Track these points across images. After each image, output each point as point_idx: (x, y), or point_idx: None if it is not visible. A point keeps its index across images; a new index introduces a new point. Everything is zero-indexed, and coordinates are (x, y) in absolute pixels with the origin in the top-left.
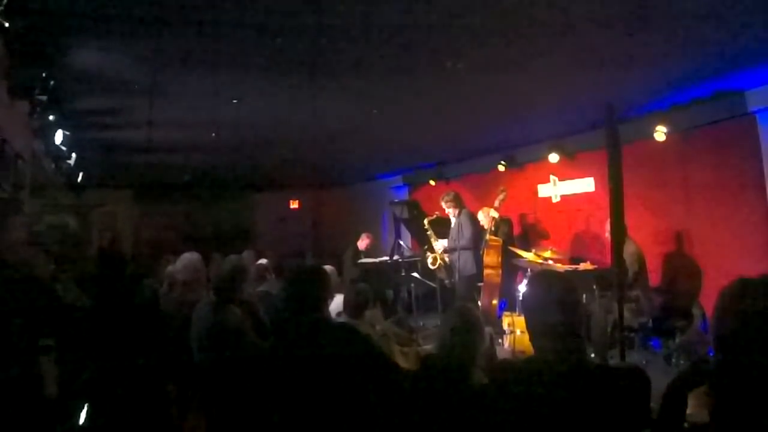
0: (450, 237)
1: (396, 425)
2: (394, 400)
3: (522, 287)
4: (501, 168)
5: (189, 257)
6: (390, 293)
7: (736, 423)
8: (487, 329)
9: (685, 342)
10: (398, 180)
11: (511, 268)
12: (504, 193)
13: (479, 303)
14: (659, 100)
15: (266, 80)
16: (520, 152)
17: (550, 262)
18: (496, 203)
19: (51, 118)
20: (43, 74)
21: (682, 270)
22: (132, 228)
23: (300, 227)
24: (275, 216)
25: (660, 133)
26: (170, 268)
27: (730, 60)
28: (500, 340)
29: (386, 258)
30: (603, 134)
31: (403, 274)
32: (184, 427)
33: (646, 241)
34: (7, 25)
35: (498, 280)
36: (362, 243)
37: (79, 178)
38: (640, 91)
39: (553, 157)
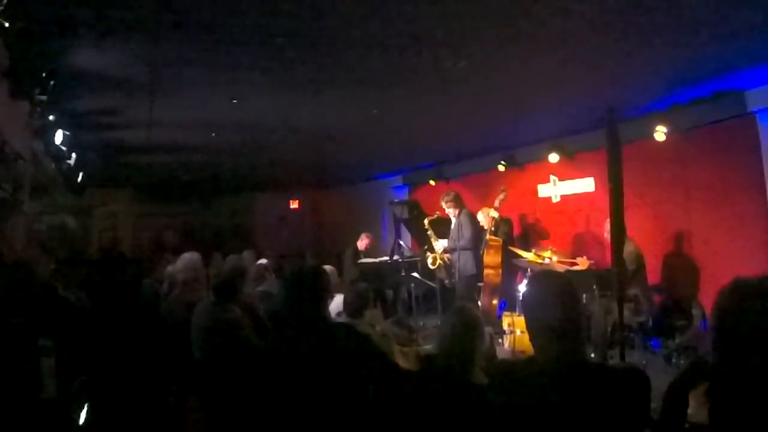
0: (450, 237)
1: (396, 425)
2: (394, 400)
3: (522, 287)
4: (501, 168)
5: (189, 257)
6: (390, 293)
7: (736, 423)
8: (487, 329)
9: (685, 342)
10: (398, 180)
11: (511, 268)
12: (504, 193)
13: (479, 303)
14: (659, 100)
15: (266, 80)
16: (520, 152)
17: (550, 261)
18: (496, 203)
19: (51, 118)
20: (43, 74)
21: (681, 270)
22: (132, 228)
23: (300, 227)
24: (275, 216)
25: (660, 133)
26: (170, 268)
27: (730, 60)
28: (500, 340)
29: (386, 258)
30: (603, 134)
31: (403, 274)
32: (184, 426)
33: (646, 241)
34: (7, 25)
35: (498, 280)
36: (362, 243)
37: (79, 178)
38: (640, 91)
39: (553, 157)
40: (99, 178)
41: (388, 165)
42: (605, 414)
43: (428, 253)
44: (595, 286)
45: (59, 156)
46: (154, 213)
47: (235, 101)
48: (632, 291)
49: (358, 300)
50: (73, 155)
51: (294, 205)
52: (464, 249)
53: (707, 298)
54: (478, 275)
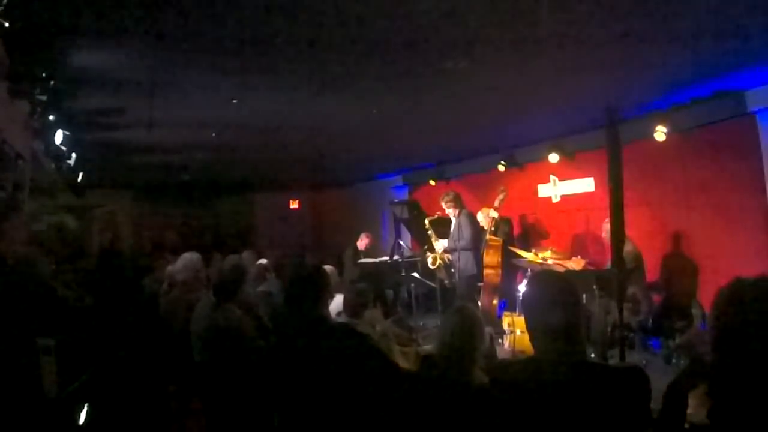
0: (450, 237)
1: (396, 425)
2: (393, 400)
3: (522, 287)
4: (501, 168)
5: (189, 257)
6: (390, 293)
7: (736, 423)
8: (487, 329)
9: (685, 342)
10: (398, 180)
11: (511, 268)
12: (504, 193)
13: (479, 303)
14: (659, 100)
15: (266, 80)
16: (520, 152)
17: (550, 261)
18: (496, 203)
19: (51, 118)
20: (43, 74)
21: (681, 270)
22: (132, 228)
23: (300, 227)
24: (275, 216)
25: (660, 133)
26: (170, 268)
27: (730, 60)
28: (500, 340)
29: (386, 258)
30: (603, 134)
31: (403, 274)
32: (184, 426)
33: (646, 241)
34: (7, 25)
35: (498, 280)
36: (362, 243)
37: (79, 178)
38: (640, 91)
39: (553, 157)
40: (99, 178)
41: (388, 165)
42: (605, 414)
43: (428, 253)
44: (594, 286)
45: (59, 156)
46: (154, 213)
47: (235, 101)
48: (630, 290)
49: (358, 300)
50: (73, 155)
51: (294, 205)
52: (464, 249)
53: (707, 298)
54: (478, 275)
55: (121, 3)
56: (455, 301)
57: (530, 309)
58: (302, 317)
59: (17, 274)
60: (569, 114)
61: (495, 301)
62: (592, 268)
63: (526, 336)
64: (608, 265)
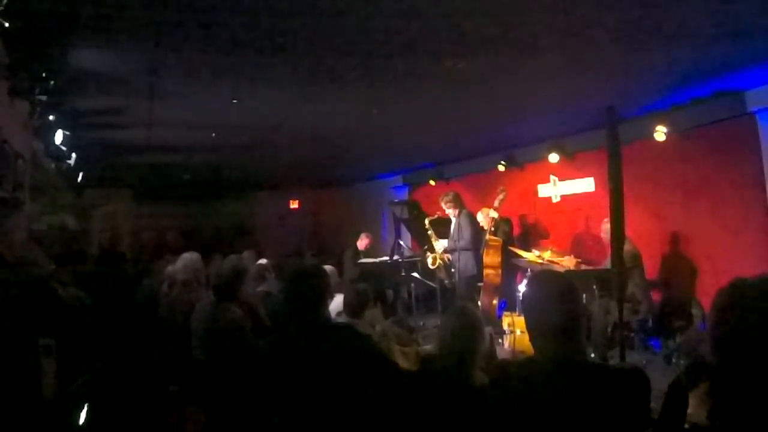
0: (450, 237)
1: (396, 425)
2: (394, 400)
3: (522, 287)
4: (501, 168)
5: (189, 257)
6: (390, 293)
7: (736, 423)
8: (487, 329)
9: (685, 342)
10: (398, 180)
11: (511, 268)
12: (504, 193)
13: (479, 303)
14: (659, 100)
15: (266, 80)
16: (520, 152)
17: (542, 260)
18: (496, 203)
19: (51, 118)
20: (43, 74)
21: (681, 270)
22: (132, 228)
23: (300, 227)
24: (275, 216)
25: (660, 133)
26: (170, 268)
27: (730, 60)
28: (500, 340)
29: (386, 258)
30: (603, 134)
31: (403, 274)
32: (184, 426)
33: (646, 241)
34: (7, 25)
35: (498, 280)
36: (362, 243)
37: (79, 178)
38: (640, 91)
39: (553, 157)
40: (99, 178)
41: (388, 165)
42: (605, 414)
43: (428, 253)
44: (595, 286)
45: (59, 156)
46: (154, 213)
47: (235, 101)
48: (630, 290)
49: (358, 300)
50: (73, 155)
51: (294, 205)
52: (464, 249)
53: (707, 298)
54: (478, 275)
55: (121, 3)
56: (455, 301)
57: (530, 309)
58: (302, 317)
59: (17, 274)
60: (569, 114)
61: (495, 301)
62: (584, 266)
63: (526, 336)
64: (607, 264)
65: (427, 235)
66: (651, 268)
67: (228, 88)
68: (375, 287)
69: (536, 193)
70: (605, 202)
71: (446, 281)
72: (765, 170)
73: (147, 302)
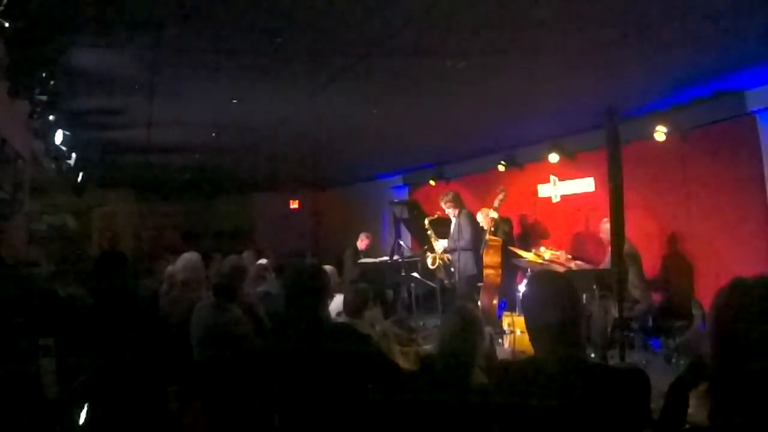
0: (450, 237)
1: (396, 425)
2: (394, 400)
3: (522, 287)
4: (501, 168)
5: (189, 257)
6: (390, 293)
7: (736, 423)
8: (487, 329)
9: (685, 342)
10: (398, 180)
11: (511, 268)
12: (503, 193)
13: (479, 303)
14: (659, 100)
15: (266, 80)
16: (520, 152)
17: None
18: (496, 203)
19: (51, 118)
20: (43, 74)
21: (681, 270)
22: (132, 228)
23: (300, 227)
24: (275, 216)
25: (660, 133)
26: (170, 268)
27: (730, 60)
28: (500, 340)
29: (386, 258)
30: (603, 134)
31: (403, 274)
32: (184, 426)
33: (646, 241)
34: (7, 25)
35: (498, 280)
36: (362, 243)
37: (79, 178)
38: (640, 91)
39: (553, 157)
40: (99, 178)
41: (388, 165)
42: (605, 414)
43: (428, 253)
44: (594, 286)
45: (59, 156)
46: (154, 213)
47: (235, 101)
48: (629, 289)
49: (358, 300)
50: (73, 155)
51: (294, 205)
52: (464, 249)
53: (707, 298)
54: (478, 275)
55: (122, 3)
56: (455, 301)
57: (530, 309)
58: (302, 317)
59: (17, 273)
60: (569, 114)
61: (495, 301)
62: (577, 262)
63: (526, 336)
64: (607, 264)
65: (427, 235)
66: (651, 268)
67: (228, 88)
68: (375, 287)
69: (536, 193)
70: (605, 202)
71: (446, 281)
72: (765, 170)
73: (147, 302)
